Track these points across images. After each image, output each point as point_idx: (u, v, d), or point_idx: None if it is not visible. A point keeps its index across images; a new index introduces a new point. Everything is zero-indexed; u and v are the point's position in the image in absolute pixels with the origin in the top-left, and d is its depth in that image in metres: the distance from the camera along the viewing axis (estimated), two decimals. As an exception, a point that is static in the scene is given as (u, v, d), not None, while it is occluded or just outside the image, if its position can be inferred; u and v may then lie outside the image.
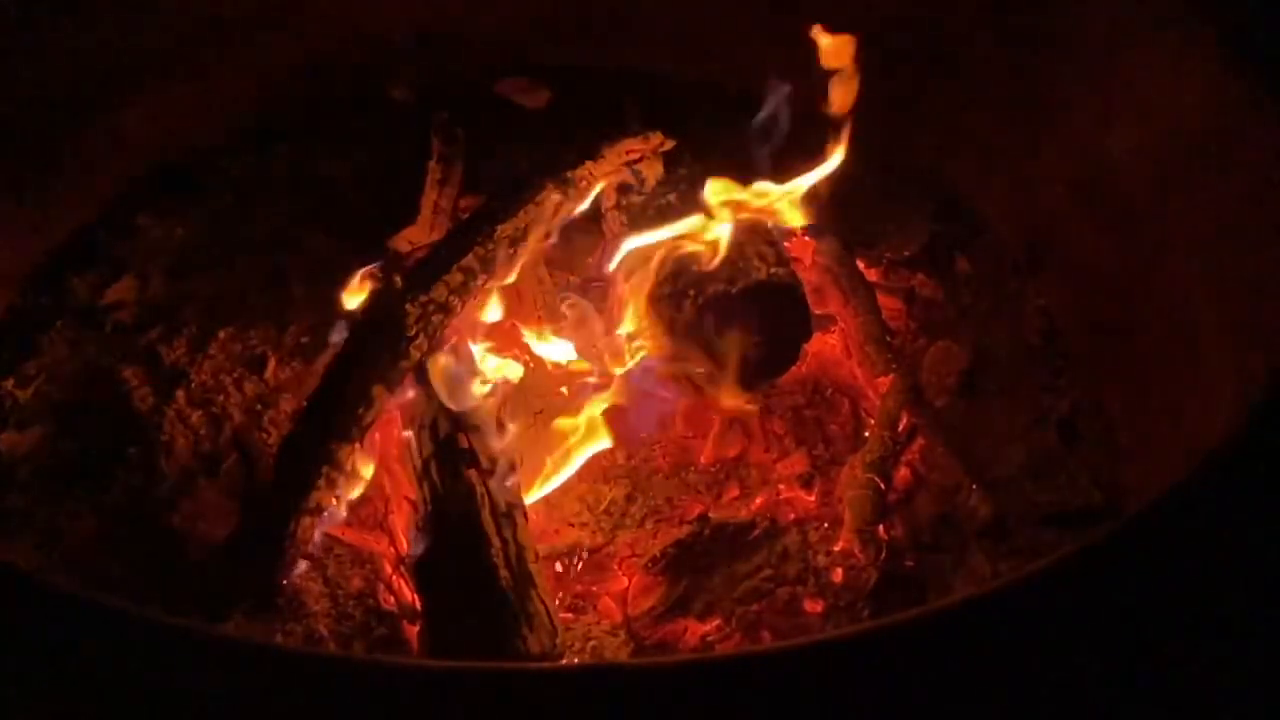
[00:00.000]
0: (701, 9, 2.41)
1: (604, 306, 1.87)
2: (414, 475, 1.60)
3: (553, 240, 1.88)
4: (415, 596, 1.56)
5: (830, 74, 1.84)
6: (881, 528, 1.69)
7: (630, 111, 2.22)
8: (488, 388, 1.68)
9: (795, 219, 1.87)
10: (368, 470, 1.61)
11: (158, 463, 1.71)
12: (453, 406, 1.61)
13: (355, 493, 1.59)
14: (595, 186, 1.91)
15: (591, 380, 1.86)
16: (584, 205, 1.91)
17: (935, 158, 2.23)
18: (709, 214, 1.78)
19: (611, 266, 1.84)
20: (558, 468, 1.74)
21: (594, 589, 1.65)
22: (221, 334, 1.91)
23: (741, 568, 1.64)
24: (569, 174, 1.85)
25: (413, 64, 2.45)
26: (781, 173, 1.85)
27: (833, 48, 1.82)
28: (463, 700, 0.98)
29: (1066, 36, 1.95)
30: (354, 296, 1.76)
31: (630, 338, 1.83)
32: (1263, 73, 1.60)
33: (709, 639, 1.58)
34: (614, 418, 1.83)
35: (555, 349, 1.87)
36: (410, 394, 1.67)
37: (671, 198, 1.86)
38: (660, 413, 1.86)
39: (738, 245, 1.77)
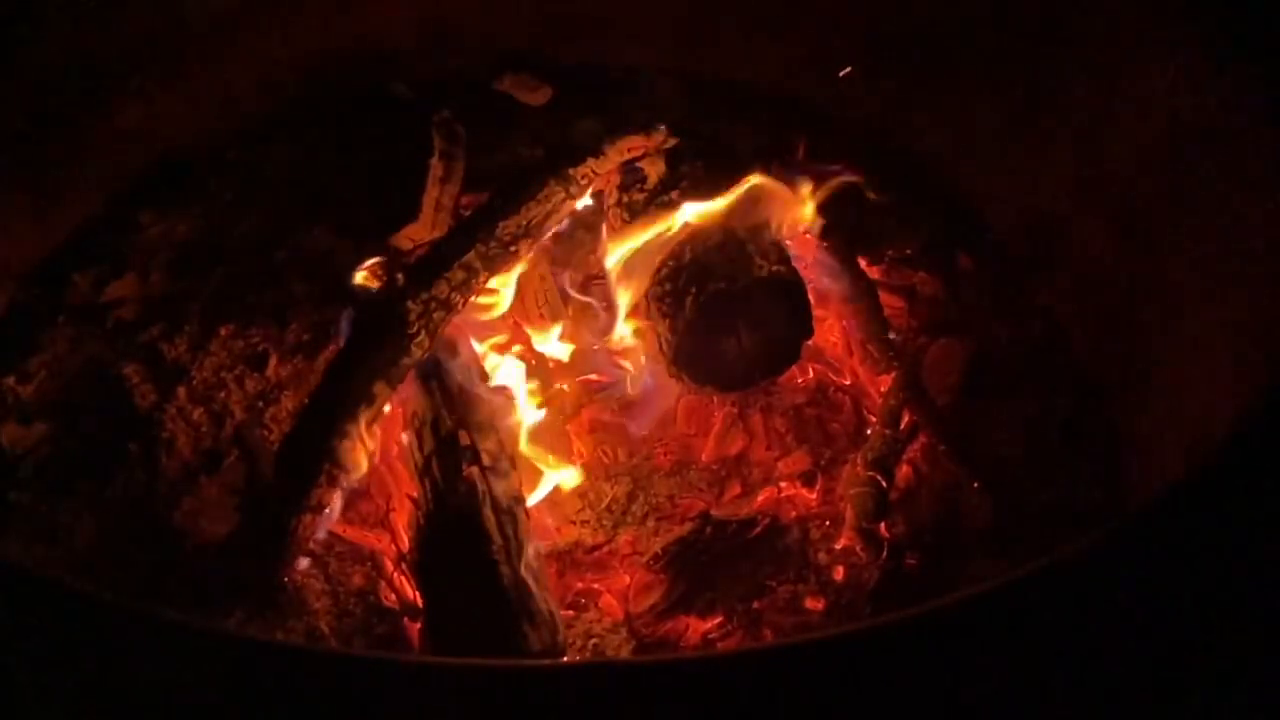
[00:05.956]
0: (702, 6, 2.41)
1: (605, 304, 1.87)
2: (415, 472, 1.61)
3: (555, 233, 1.88)
4: (416, 594, 1.56)
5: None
6: (883, 526, 1.69)
7: (631, 108, 2.22)
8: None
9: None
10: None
11: (159, 460, 1.71)
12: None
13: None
14: (596, 183, 1.91)
15: (592, 377, 1.87)
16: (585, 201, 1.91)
17: (937, 155, 2.23)
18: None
19: (611, 264, 1.84)
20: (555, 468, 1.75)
21: (595, 586, 1.65)
22: (223, 331, 1.91)
23: (743, 565, 1.64)
24: (571, 171, 1.85)
25: (414, 61, 2.45)
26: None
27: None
28: (464, 698, 0.99)
29: (1069, 34, 1.94)
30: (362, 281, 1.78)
31: (630, 335, 1.83)
32: (1266, 72, 1.60)
33: (710, 636, 1.58)
34: (612, 416, 1.85)
35: (557, 347, 1.88)
36: (412, 391, 1.67)
37: (673, 195, 1.86)
38: (661, 410, 1.86)
39: (738, 243, 1.77)
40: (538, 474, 1.73)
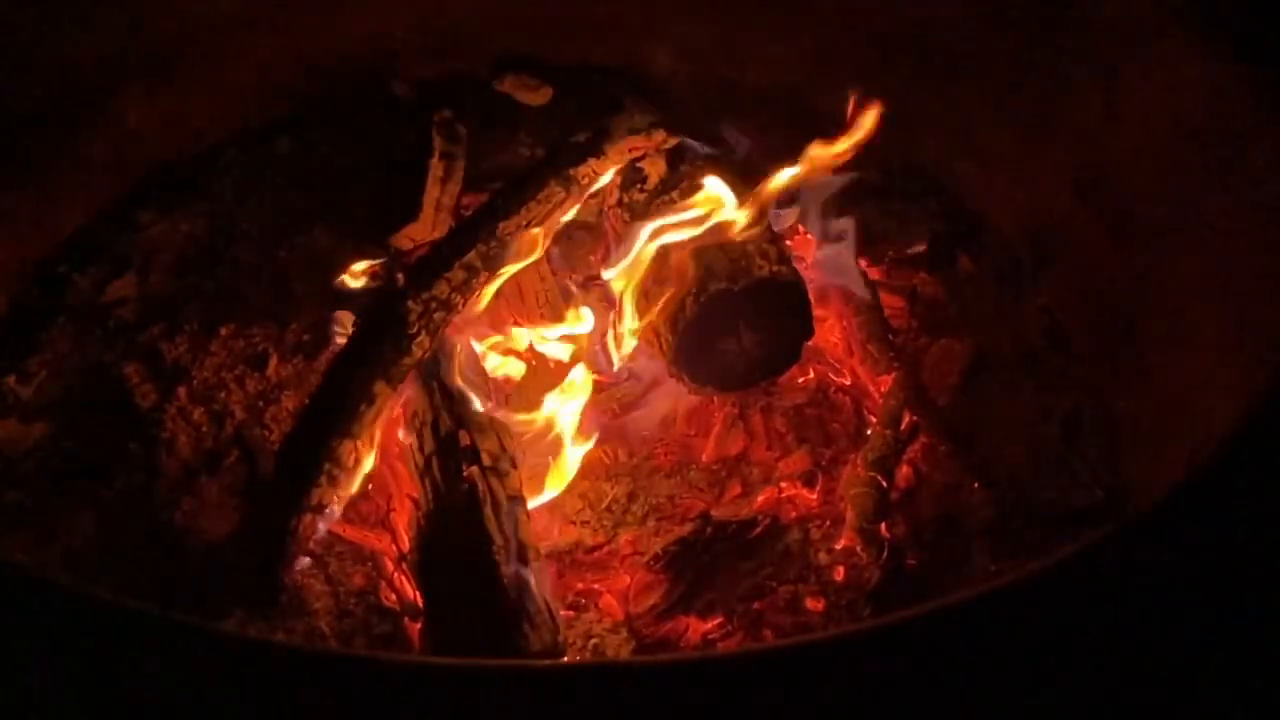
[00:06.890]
0: (702, 6, 2.41)
1: (606, 304, 1.87)
2: (415, 472, 1.60)
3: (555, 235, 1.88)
4: (416, 594, 1.56)
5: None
6: (883, 526, 1.69)
7: (632, 108, 2.22)
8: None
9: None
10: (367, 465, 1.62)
11: (159, 460, 1.71)
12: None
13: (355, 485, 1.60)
14: (597, 183, 1.91)
15: (593, 377, 1.86)
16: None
17: (938, 155, 2.23)
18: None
19: (612, 263, 1.84)
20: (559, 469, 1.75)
21: (595, 586, 1.65)
22: (223, 331, 1.91)
23: (743, 566, 1.64)
24: (572, 171, 1.84)
25: (414, 61, 2.45)
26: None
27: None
28: (464, 698, 0.98)
29: (1070, 34, 1.94)
30: (354, 280, 1.79)
31: (631, 334, 1.83)
32: (1266, 73, 1.60)
33: (710, 637, 1.58)
34: (611, 415, 1.84)
35: (557, 347, 1.87)
36: (412, 391, 1.67)
37: (674, 195, 1.86)
38: (662, 410, 1.86)
39: (738, 243, 1.77)
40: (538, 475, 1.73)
